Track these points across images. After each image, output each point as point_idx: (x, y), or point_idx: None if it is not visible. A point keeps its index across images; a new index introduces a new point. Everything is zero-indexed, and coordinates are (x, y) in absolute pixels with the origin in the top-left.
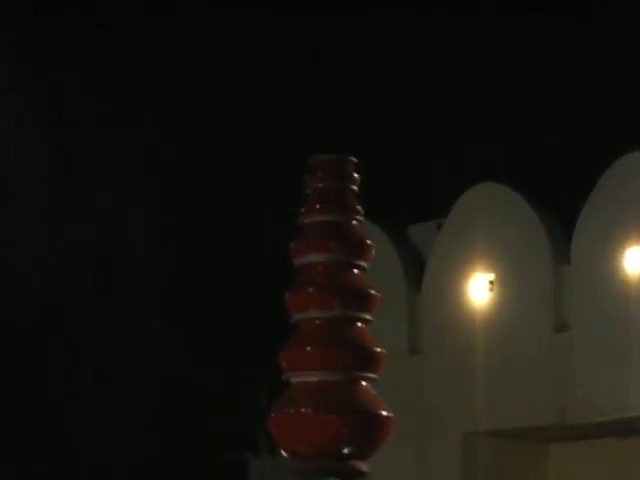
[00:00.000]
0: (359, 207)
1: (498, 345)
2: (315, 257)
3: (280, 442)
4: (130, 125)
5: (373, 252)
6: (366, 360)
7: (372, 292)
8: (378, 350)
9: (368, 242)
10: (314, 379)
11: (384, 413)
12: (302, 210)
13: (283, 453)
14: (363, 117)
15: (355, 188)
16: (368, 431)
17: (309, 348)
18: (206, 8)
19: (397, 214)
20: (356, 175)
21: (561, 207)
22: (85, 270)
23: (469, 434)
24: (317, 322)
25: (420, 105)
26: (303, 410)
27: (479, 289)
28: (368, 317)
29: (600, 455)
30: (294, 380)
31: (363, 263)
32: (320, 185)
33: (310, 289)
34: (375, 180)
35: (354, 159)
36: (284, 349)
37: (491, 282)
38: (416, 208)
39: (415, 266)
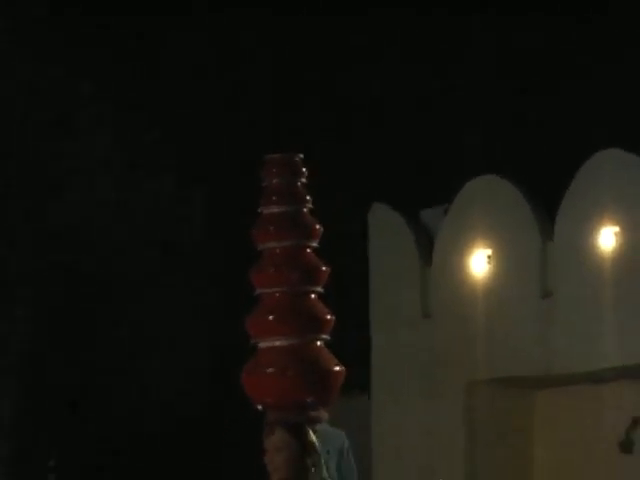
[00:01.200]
0: (308, 197)
1: (495, 308)
2: (273, 243)
3: (252, 398)
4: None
5: (320, 233)
6: (319, 325)
7: (323, 268)
8: (328, 317)
9: (317, 226)
10: (277, 343)
11: (337, 368)
12: (261, 202)
13: (256, 406)
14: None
15: (304, 181)
16: (324, 384)
17: (271, 317)
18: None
19: (411, 201)
20: (304, 170)
21: (547, 194)
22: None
23: (471, 382)
24: (277, 295)
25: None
26: (269, 370)
27: (479, 263)
28: (319, 290)
29: (578, 400)
30: (260, 345)
31: (314, 244)
32: (274, 180)
33: (271, 269)
34: (392, 171)
35: (301, 156)
36: (250, 319)
37: (489, 257)
38: (426, 195)
39: (426, 244)
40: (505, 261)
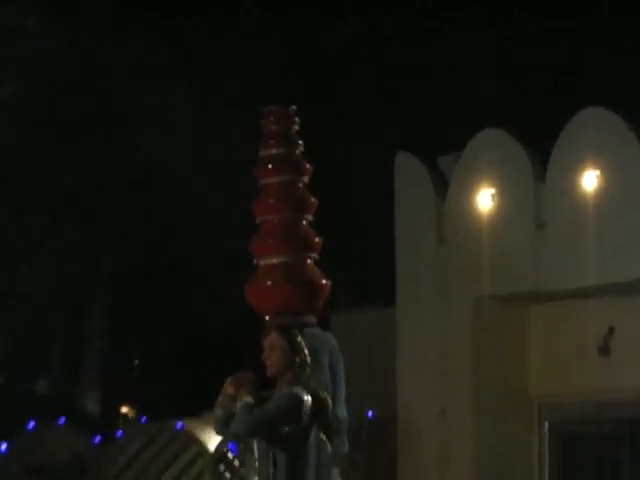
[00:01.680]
0: (300, 141)
1: (497, 237)
2: (271, 179)
3: (255, 307)
4: None
5: (310, 172)
6: (310, 246)
7: (312, 200)
8: (317, 239)
9: (307, 165)
10: (274, 261)
11: (324, 282)
12: (260, 146)
13: (259, 313)
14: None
15: (297, 128)
16: (313, 295)
17: (270, 240)
18: None
19: (430, 149)
20: (297, 119)
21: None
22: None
23: (477, 298)
24: (275, 222)
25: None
26: (268, 283)
27: (484, 200)
28: (310, 217)
29: (565, 312)
30: (261, 263)
31: (305, 179)
32: (272, 127)
33: (270, 200)
34: (415, 124)
35: (294, 107)
36: (253, 242)
37: (492, 195)
38: (443, 144)
39: (441, 184)
40: (506, 199)
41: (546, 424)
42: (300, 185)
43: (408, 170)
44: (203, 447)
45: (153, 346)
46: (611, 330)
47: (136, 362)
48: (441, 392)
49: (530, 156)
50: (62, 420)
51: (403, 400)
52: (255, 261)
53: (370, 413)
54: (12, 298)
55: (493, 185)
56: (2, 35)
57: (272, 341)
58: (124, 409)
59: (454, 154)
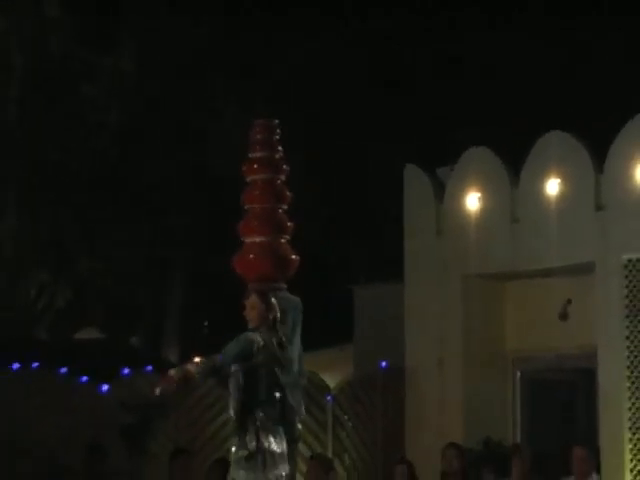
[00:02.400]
0: (280, 147)
1: (480, 229)
2: (256, 176)
3: (240, 275)
4: None
5: (287, 172)
6: (284, 229)
7: (287, 193)
8: (289, 224)
9: (284, 166)
10: (256, 239)
11: (293, 257)
12: (249, 150)
13: (243, 280)
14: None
15: (278, 137)
16: (284, 266)
17: (255, 223)
18: None
19: (431, 162)
20: (279, 130)
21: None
22: None
23: (464, 275)
24: (258, 209)
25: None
26: (250, 256)
27: (471, 201)
28: (285, 207)
29: (534, 287)
30: (246, 240)
31: (283, 177)
32: (258, 136)
33: (256, 192)
34: (419, 142)
35: (277, 121)
36: (241, 224)
37: (479, 198)
38: (440, 158)
39: (439, 189)
40: (488, 201)
41: (518, 373)
42: (279, 182)
43: (414, 178)
44: None
45: (218, 311)
46: (569, 301)
47: (205, 323)
48: (438, 349)
49: (506, 168)
50: (150, 368)
51: (409, 355)
52: (242, 239)
53: (384, 364)
54: (110, 279)
55: (479, 190)
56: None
57: (252, 302)
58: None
59: (449, 166)
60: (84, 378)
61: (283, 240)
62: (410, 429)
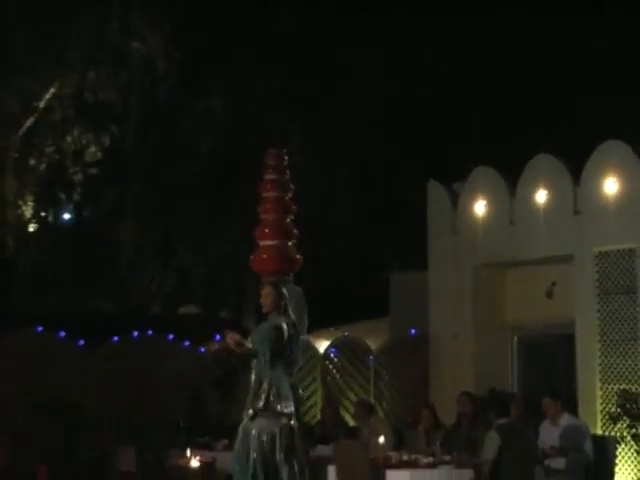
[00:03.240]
0: (288, 171)
1: (486, 229)
2: (271, 194)
3: (256, 271)
4: None
5: (292, 190)
6: (291, 235)
7: (293, 207)
8: (295, 231)
9: (291, 186)
10: (269, 243)
11: (297, 257)
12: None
13: (259, 275)
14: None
15: (286, 163)
16: (292, 264)
17: (267, 230)
18: None
19: (448, 178)
20: (286, 157)
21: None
22: None
23: (474, 265)
24: (270, 220)
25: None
26: (264, 256)
27: (479, 208)
28: (292, 217)
29: (529, 273)
30: (260, 244)
31: (290, 195)
32: (270, 162)
33: (268, 205)
34: (440, 162)
35: (285, 150)
36: (256, 230)
37: (484, 205)
38: (456, 175)
39: (454, 199)
40: (492, 207)
41: (515, 338)
42: (286, 198)
43: (435, 191)
44: (316, 349)
45: None
46: (553, 283)
47: None
48: (455, 320)
49: (505, 182)
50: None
51: (433, 324)
52: (258, 243)
53: (413, 332)
54: (205, 267)
55: (484, 199)
56: None
57: (267, 291)
58: (232, 334)
59: (462, 182)
60: (186, 342)
61: (290, 244)
62: (433, 381)
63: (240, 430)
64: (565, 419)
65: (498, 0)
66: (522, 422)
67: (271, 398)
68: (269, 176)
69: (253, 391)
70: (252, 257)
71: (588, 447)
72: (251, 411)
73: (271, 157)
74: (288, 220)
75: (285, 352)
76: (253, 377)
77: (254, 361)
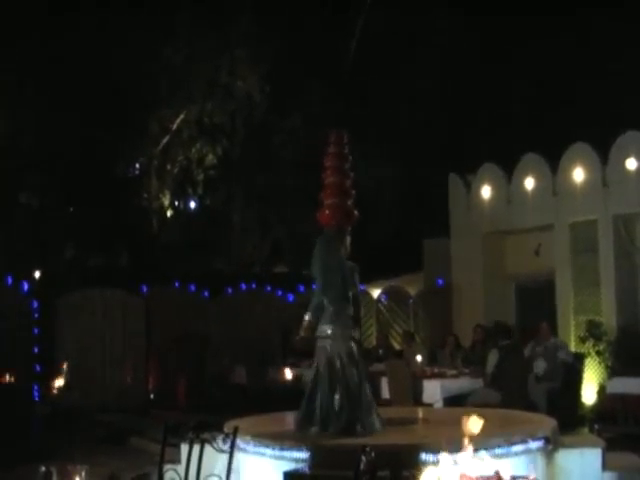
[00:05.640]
0: (346, 146)
1: (491, 207)
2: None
3: (322, 223)
4: None
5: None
6: (349, 194)
7: (350, 173)
8: (353, 191)
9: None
10: (332, 201)
11: (355, 212)
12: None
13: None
14: None
15: (345, 141)
16: (348, 221)
17: (329, 191)
18: None
19: (465, 171)
20: (346, 137)
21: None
22: None
23: (485, 233)
24: (333, 182)
25: None
26: (327, 212)
27: (486, 192)
28: (350, 181)
29: (524, 239)
30: (325, 202)
31: (348, 165)
32: (332, 140)
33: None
34: (461, 156)
35: (345, 132)
36: (323, 191)
37: (490, 190)
38: (471, 169)
39: (468, 186)
40: (494, 192)
41: (513, 284)
42: (345, 167)
43: (454, 180)
44: (371, 295)
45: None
46: (540, 245)
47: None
48: (470, 272)
49: (504, 174)
50: (314, 286)
51: (454, 276)
52: (324, 201)
53: (440, 282)
54: (293, 239)
55: (489, 186)
56: None
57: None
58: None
59: (474, 174)
60: (279, 292)
61: (349, 202)
62: (456, 317)
63: (316, 349)
64: (552, 339)
65: None
66: (518, 343)
67: (339, 323)
68: (331, 149)
69: (324, 318)
70: (318, 213)
71: (566, 357)
72: (326, 332)
73: (332, 136)
74: (347, 183)
75: (336, 262)
76: (326, 305)
77: (320, 292)
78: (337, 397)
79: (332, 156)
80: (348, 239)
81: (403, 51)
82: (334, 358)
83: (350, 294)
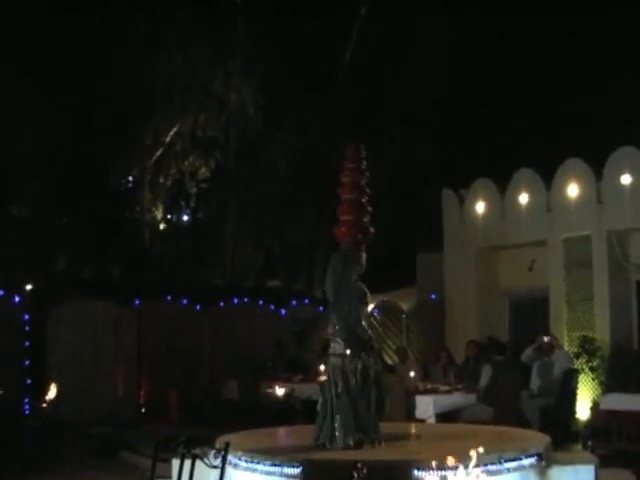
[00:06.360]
0: (363, 160)
1: (485, 221)
2: (352, 194)
3: (338, 239)
4: None
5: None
6: (366, 211)
7: (367, 190)
8: (370, 208)
9: (367, 190)
10: (347, 217)
11: (371, 229)
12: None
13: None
14: None
15: (362, 155)
16: (364, 238)
17: (345, 207)
18: None
19: (458, 186)
20: (363, 151)
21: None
22: None
23: (480, 248)
24: (349, 199)
25: None
26: (343, 229)
27: (480, 207)
28: (367, 197)
29: (515, 254)
30: (341, 218)
31: (365, 179)
32: (349, 154)
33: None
34: (451, 175)
35: (361, 145)
36: (339, 208)
37: (483, 205)
38: (464, 184)
39: (461, 201)
40: (488, 207)
41: (507, 299)
42: (362, 183)
43: (448, 195)
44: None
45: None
46: (533, 261)
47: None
48: (463, 287)
49: (497, 189)
50: (306, 301)
51: (447, 291)
52: (339, 217)
53: (433, 296)
54: (286, 249)
55: (483, 200)
56: None
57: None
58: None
59: (467, 189)
60: (272, 307)
61: (365, 219)
62: (449, 332)
63: (328, 366)
64: (555, 351)
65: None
66: (512, 359)
67: (348, 341)
68: (348, 164)
69: (335, 335)
70: (334, 229)
71: (556, 375)
72: (338, 351)
73: (349, 151)
74: (364, 200)
75: (346, 280)
76: (334, 321)
77: (332, 308)
78: (351, 413)
79: (349, 172)
80: (364, 256)
81: (395, 63)
82: (348, 375)
83: (360, 314)
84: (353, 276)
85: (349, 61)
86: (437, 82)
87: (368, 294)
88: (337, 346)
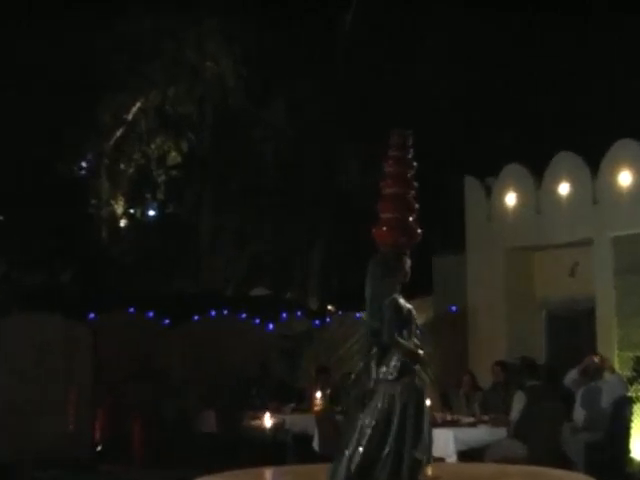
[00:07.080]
0: (410, 149)
1: (516, 217)
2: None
3: (378, 242)
4: None
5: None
6: (412, 209)
7: (414, 183)
8: (417, 205)
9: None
10: (389, 215)
11: (418, 231)
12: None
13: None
14: None
15: (409, 143)
16: (409, 241)
17: (387, 203)
18: None
19: (483, 174)
20: (410, 138)
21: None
22: None
23: (507, 248)
24: (392, 193)
25: None
26: (384, 229)
27: (510, 199)
28: (414, 193)
29: (552, 256)
30: (382, 216)
31: (413, 171)
32: (395, 140)
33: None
34: (477, 162)
35: (410, 132)
36: (380, 204)
37: (515, 197)
38: (491, 173)
39: (488, 191)
40: (520, 200)
41: (544, 312)
42: (408, 175)
43: (471, 184)
44: None
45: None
46: (576, 263)
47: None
48: (489, 297)
49: (532, 176)
50: (299, 313)
51: (470, 302)
52: (380, 215)
53: (454, 308)
54: (273, 254)
55: (514, 191)
56: None
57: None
58: (329, 306)
59: (495, 178)
60: (257, 320)
61: (411, 218)
62: (471, 350)
63: (360, 396)
64: (605, 376)
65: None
66: (549, 385)
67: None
68: (392, 152)
69: (373, 358)
70: (374, 230)
71: (605, 405)
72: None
73: (395, 136)
74: (409, 195)
75: (387, 291)
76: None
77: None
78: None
79: (393, 161)
80: (408, 262)
81: (408, 44)
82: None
83: (404, 332)
84: (397, 285)
85: (349, 31)
86: (453, 63)
87: (413, 311)
88: (378, 370)
